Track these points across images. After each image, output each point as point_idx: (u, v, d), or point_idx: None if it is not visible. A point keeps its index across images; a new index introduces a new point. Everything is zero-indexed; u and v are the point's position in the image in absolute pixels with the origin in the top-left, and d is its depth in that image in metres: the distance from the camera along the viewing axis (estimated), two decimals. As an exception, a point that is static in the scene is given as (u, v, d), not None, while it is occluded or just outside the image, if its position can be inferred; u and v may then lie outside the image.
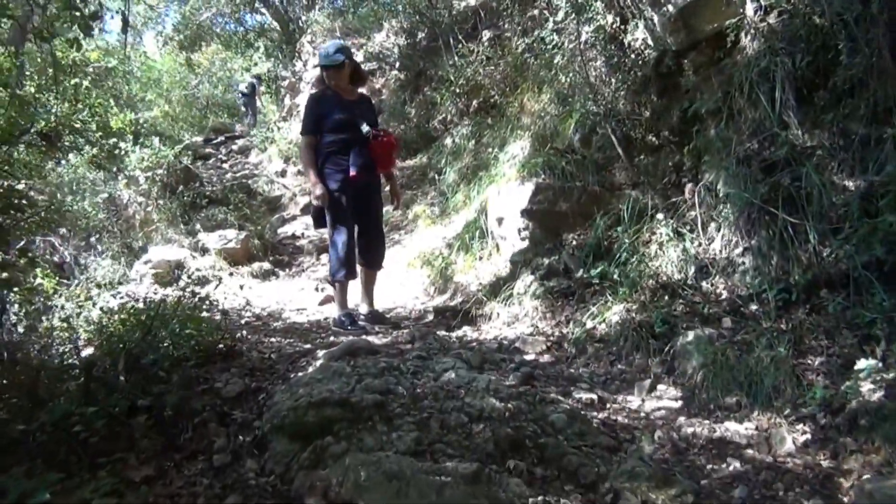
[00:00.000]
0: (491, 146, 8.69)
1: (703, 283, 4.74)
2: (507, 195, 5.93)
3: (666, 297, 4.69)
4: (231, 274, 8.21)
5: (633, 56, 5.79)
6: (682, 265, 4.87)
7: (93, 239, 9.89)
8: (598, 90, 5.64)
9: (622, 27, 6.02)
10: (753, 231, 4.61)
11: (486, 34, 10.53)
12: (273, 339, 5.05)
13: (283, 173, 13.30)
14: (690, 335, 4.15)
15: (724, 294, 4.63)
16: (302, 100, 14.91)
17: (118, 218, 9.78)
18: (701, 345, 4.04)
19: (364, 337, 4.74)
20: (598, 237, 5.36)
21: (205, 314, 4.86)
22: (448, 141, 10.27)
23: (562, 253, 5.42)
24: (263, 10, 17.88)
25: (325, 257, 8.04)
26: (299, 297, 7.27)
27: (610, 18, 6.05)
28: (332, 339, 4.98)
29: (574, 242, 5.58)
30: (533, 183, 5.76)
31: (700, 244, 4.96)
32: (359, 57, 14.23)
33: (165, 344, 3.91)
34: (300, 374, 3.93)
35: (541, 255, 5.62)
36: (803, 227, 4.30)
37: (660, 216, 5.13)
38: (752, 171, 4.74)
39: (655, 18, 5.50)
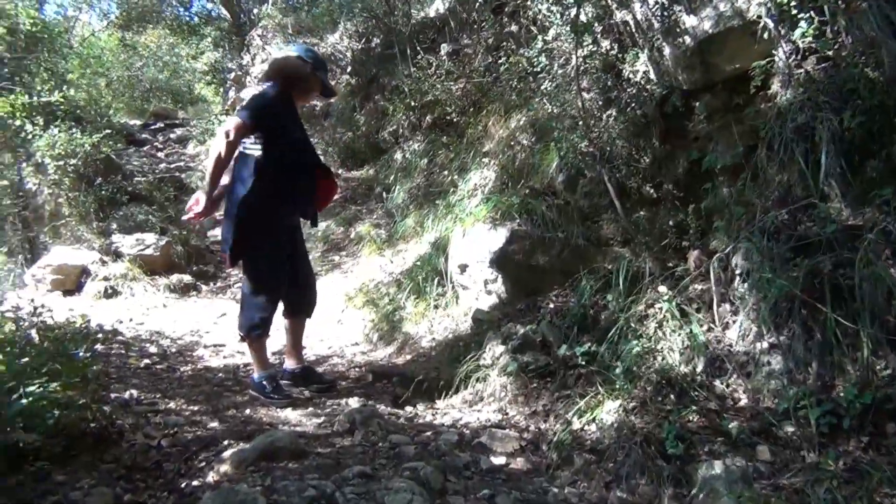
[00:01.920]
0: (447, 168, 7.40)
1: (717, 383, 3.56)
2: (473, 238, 4.66)
3: (672, 397, 3.50)
4: (145, 287, 6.69)
5: (631, 91, 4.58)
6: (690, 355, 3.68)
7: (-3, 227, 8.21)
8: (590, 126, 4.40)
9: (619, 56, 4.81)
10: (783, 323, 3.46)
11: (446, 48, 9.23)
12: (171, 404, 3.65)
13: None
14: (717, 467, 2.94)
15: (744, 399, 3.45)
16: (247, 94, 13.36)
17: (25, 207, 8.10)
18: (734, 485, 2.84)
19: (287, 426, 3.37)
20: (583, 304, 4.13)
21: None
22: (398, 155, 8.94)
23: (539, 321, 4.16)
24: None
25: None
26: (219, 326, 5.82)
27: (606, 45, 4.83)
28: (248, 411, 3.61)
29: (552, 306, 4.34)
30: (507, 228, 4.51)
31: (710, 328, 3.78)
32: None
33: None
34: (194, 484, 2.60)
35: (511, 317, 4.36)
36: (853, 330, 3.16)
37: (662, 289, 3.93)
38: (780, 247, 3.59)
39: (667, 50, 4.31)
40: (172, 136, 14.74)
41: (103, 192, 7.79)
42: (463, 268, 4.71)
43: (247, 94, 13.51)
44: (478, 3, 7.82)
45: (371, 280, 6.06)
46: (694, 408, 3.37)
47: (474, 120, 7.43)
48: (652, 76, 4.60)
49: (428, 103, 8.57)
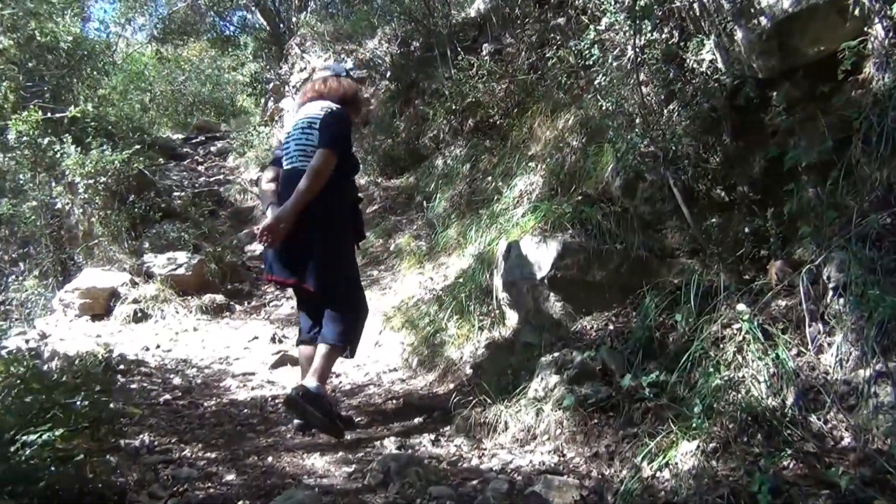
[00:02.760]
0: (490, 174, 6.94)
1: (813, 418, 3.01)
2: (521, 251, 4.18)
3: (760, 437, 2.97)
4: (176, 309, 6.37)
5: (696, 82, 4.05)
6: (777, 384, 3.14)
7: (31, 248, 8.02)
8: (651, 123, 3.89)
9: (681, 44, 4.28)
10: (893, 347, 2.91)
11: (487, 47, 8.77)
12: (186, 451, 3.25)
13: (258, 182, 11.41)
14: (830, 535, 2.42)
15: (847, 438, 2.91)
16: (287, 105, 13.12)
17: (60, 227, 7.90)
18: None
19: (312, 478, 2.94)
20: (647, 326, 3.62)
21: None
22: (439, 162, 8.51)
23: (599, 345, 3.66)
24: (253, 8, 15.94)
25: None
26: (250, 351, 5.45)
27: (665, 32, 4.31)
28: (270, 458, 3.19)
29: (612, 328, 3.84)
30: (558, 241, 4.02)
31: (800, 353, 3.24)
32: (349, 64, 12.49)
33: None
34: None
35: (566, 340, 3.87)
36: None
37: (741, 307, 3.39)
38: (884, 256, 3.04)
39: (739, 34, 3.77)
40: (213, 149, 14.62)
41: (136, 210, 7.53)
42: (510, 284, 4.24)
43: (286, 104, 13.29)
44: (520, -1, 7.36)
45: (411, 298, 5.63)
46: (788, 451, 2.82)
47: (518, 122, 6.95)
48: (720, 65, 4.06)
49: (469, 106, 8.13)
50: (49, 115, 5.13)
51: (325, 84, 3.85)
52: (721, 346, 3.42)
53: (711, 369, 3.25)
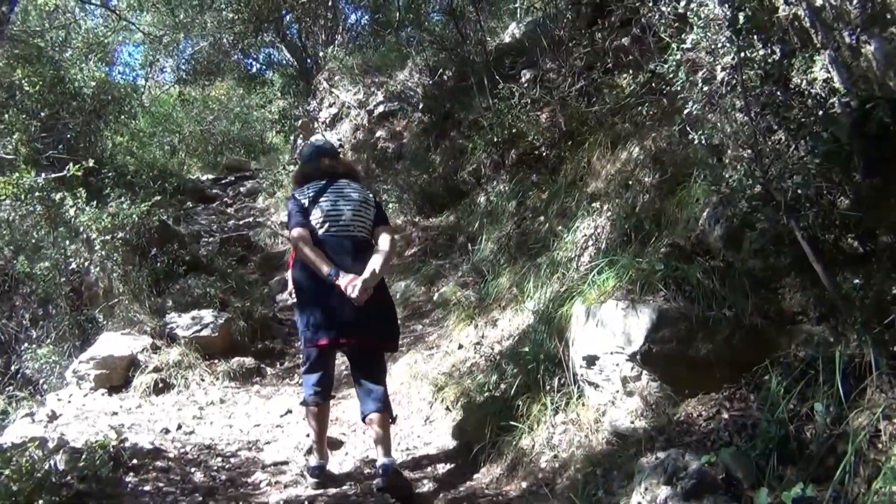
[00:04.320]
0: (542, 213, 6.21)
1: None
2: (602, 319, 3.42)
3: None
4: (202, 376, 5.70)
5: (810, 106, 3.28)
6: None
7: (50, 308, 7.44)
8: (764, 158, 3.13)
9: (784, 61, 3.52)
10: None
11: (527, 74, 8.09)
12: None
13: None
14: None
15: None
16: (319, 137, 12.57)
17: (81, 284, 7.31)
18: None
19: None
20: (776, 416, 2.83)
21: None
22: (482, 198, 7.81)
23: (718, 445, 2.89)
24: (279, 44, 15.49)
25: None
26: (283, 430, 4.74)
27: (760, 50, 3.55)
28: None
29: (727, 416, 3.05)
30: (652, 307, 3.25)
31: None
32: (379, 97, 11.93)
33: None
34: None
35: (668, 432, 3.10)
36: None
37: (908, 397, 2.60)
38: None
39: (870, 46, 3.02)
40: (242, 189, 14.09)
41: (158, 265, 6.92)
42: (591, 360, 3.47)
43: (317, 138, 12.73)
44: (566, 20, 6.68)
45: (463, 361, 4.89)
46: None
47: (571, 154, 6.22)
48: (837, 84, 3.30)
49: (512, 137, 7.43)
50: (63, 170, 4.55)
51: (346, 162, 4.37)
52: (881, 446, 2.64)
53: (881, 482, 2.45)
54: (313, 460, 3.85)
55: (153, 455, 4.08)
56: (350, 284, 3.52)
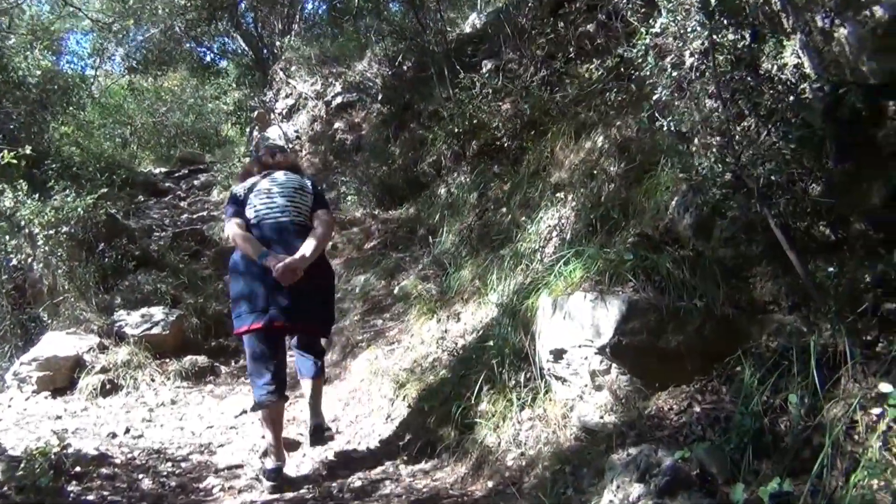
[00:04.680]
0: (504, 205, 6.08)
1: None
2: (569, 311, 3.29)
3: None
4: (152, 377, 5.45)
5: (781, 91, 3.20)
6: (955, 498, 2.28)
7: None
8: (736, 145, 3.04)
9: (754, 46, 3.43)
10: None
11: (487, 64, 7.96)
12: None
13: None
14: None
15: None
16: (273, 132, 12.28)
17: (24, 282, 6.96)
18: None
19: None
20: (750, 409, 2.74)
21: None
22: (442, 190, 7.66)
23: (691, 439, 2.79)
24: (233, 33, 15.09)
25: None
26: (237, 432, 4.54)
27: (734, 33, 3.46)
28: None
29: (699, 410, 2.96)
30: (622, 299, 3.14)
31: (977, 451, 2.37)
32: (337, 88, 11.70)
33: None
34: None
35: (639, 428, 2.99)
36: None
37: (886, 386, 2.52)
38: None
39: (843, 31, 2.94)
40: (196, 182, 13.68)
41: (106, 261, 6.61)
42: (558, 354, 3.35)
43: (272, 132, 12.44)
44: (528, 7, 6.55)
45: (425, 357, 4.74)
46: None
47: (533, 144, 6.10)
48: (808, 70, 3.23)
49: (473, 128, 7.29)
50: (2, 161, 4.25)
51: (284, 157, 4.32)
52: (857, 438, 2.56)
53: (860, 473, 2.37)
54: (269, 462, 3.68)
55: (98, 461, 3.85)
56: (276, 264, 3.51)
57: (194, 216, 11.18)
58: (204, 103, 19.43)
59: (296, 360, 4.08)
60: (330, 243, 8.17)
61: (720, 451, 2.67)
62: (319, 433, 3.94)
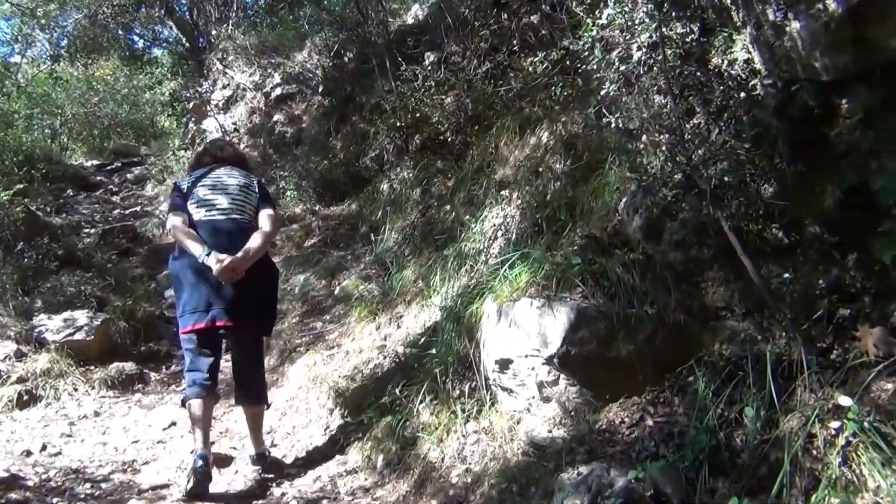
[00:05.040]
0: (448, 202, 5.88)
1: None
2: (515, 318, 3.11)
3: None
4: (75, 386, 5.08)
5: (729, 87, 3.07)
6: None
7: None
8: (682, 142, 2.89)
9: (704, 40, 3.30)
10: None
11: (430, 56, 7.73)
12: None
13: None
14: None
15: None
16: (209, 125, 11.82)
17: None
18: None
19: None
20: (705, 423, 2.60)
21: None
22: (384, 185, 7.42)
23: (644, 456, 2.64)
24: (167, 20, 14.48)
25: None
26: (165, 446, 4.24)
27: (682, 26, 3.32)
28: None
29: (651, 424, 2.81)
30: (570, 306, 2.97)
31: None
32: (276, 79, 11.31)
33: None
34: None
35: (589, 443, 2.82)
36: None
37: (845, 399, 2.40)
38: None
39: (795, 25, 2.80)
40: (130, 175, 13.13)
41: (25, 261, 6.18)
42: (504, 364, 3.16)
43: (209, 125, 11.97)
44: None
45: (366, 363, 4.51)
46: None
47: (477, 139, 5.91)
48: (758, 65, 3.10)
49: (415, 121, 7.07)
50: None
51: (232, 151, 4.24)
52: (816, 453, 2.44)
53: (818, 493, 2.25)
54: (198, 450, 3.45)
55: (7, 485, 3.50)
56: (217, 262, 3.46)
57: (127, 211, 10.68)
58: (139, 94, 18.71)
59: (235, 390, 3.95)
60: (269, 240, 7.90)
61: (674, 470, 2.52)
62: (262, 462, 3.81)
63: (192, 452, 3.59)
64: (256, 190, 3.93)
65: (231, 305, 3.57)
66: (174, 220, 3.69)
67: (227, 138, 4.36)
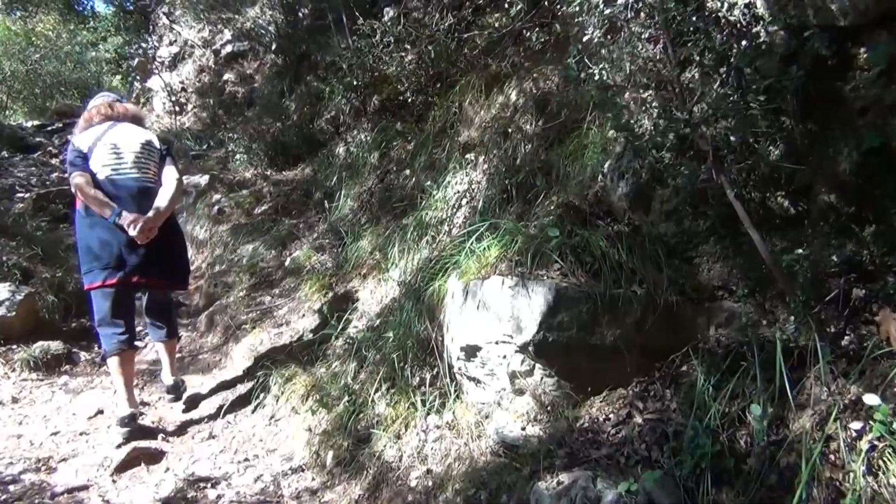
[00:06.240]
0: (407, 166, 5.42)
1: None
2: (483, 299, 2.69)
3: None
4: (-8, 367, 4.54)
5: (731, 35, 2.65)
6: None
7: None
8: (679, 97, 2.47)
9: (698, -18, 2.87)
10: None
11: (389, 11, 7.17)
12: None
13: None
14: None
15: None
16: (156, 84, 11.09)
17: None
18: None
19: None
20: (706, 425, 2.22)
21: None
22: (341, 149, 6.91)
23: (635, 462, 2.25)
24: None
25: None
26: (89, 438, 3.75)
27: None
28: None
29: (640, 421, 2.42)
30: (547, 286, 2.55)
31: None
32: (227, 36, 10.62)
33: None
34: None
35: (569, 444, 2.43)
36: None
37: (872, 398, 2.03)
38: None
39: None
40: (70, 136, 12.27)
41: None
42: (471, 351, 2.75)
43: (155, 84, 11.23)
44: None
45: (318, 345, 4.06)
46: None
47: (439, 99, 5.43)
48: (761, 11, 2.69)
49: (373, 81, 6.54)
50: None
51: (125, 108, 4.12)
52: (834, 458, 2.08)
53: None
54: (122, 409, 3.64)
55: None
56: (132, 223, 3.49)
57: (65, 175, 9.93)
58: (83, 51, 17.68)
59: (148, 329, 4.31)
60: (216, 207, 7.34)
61: (672, 481, 2.14)
62: (177, 391, 4.13)
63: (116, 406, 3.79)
64: (157, 147, 3.92)
65: (143, 261, 3.62)
66: (79, 180, 3.62)
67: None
